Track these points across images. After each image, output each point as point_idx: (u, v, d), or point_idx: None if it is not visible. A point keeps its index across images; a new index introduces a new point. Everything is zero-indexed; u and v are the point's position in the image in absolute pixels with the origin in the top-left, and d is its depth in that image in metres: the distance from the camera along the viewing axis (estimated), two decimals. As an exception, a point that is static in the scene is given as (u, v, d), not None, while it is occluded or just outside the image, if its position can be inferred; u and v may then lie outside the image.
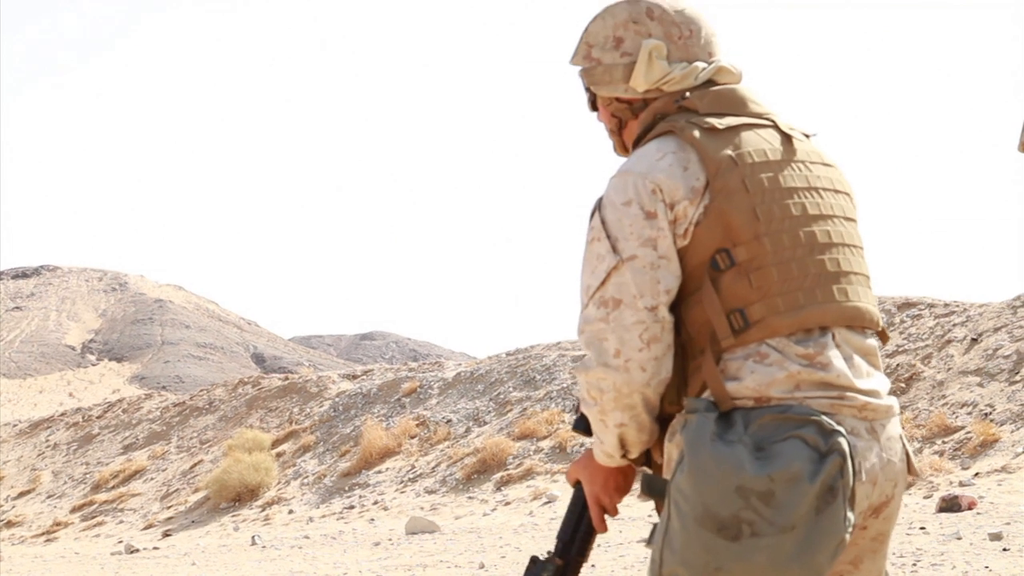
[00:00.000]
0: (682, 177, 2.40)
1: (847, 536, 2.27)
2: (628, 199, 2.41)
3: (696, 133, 2.43)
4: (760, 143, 2.47)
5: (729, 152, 2.42)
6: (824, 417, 2.28)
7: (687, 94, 2.53)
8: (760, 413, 2.30)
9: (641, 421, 2.44)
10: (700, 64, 2.56)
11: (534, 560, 2.62)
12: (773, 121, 2.53)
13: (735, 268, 2.38)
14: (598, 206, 2.47)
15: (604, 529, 2.60)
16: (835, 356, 2.38)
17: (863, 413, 2.38)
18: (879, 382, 2.45)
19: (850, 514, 2.27)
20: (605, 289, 2.40)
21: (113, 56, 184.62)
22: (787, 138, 2.52)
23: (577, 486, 2.65)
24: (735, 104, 2.52)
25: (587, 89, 2.67)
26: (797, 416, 2.28)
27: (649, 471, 2.50)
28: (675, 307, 2.42)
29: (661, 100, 2.55)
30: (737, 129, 2.47)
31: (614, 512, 2.61)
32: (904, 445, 2.47)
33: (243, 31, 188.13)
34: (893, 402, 2.47)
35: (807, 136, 2.58)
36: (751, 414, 2.30)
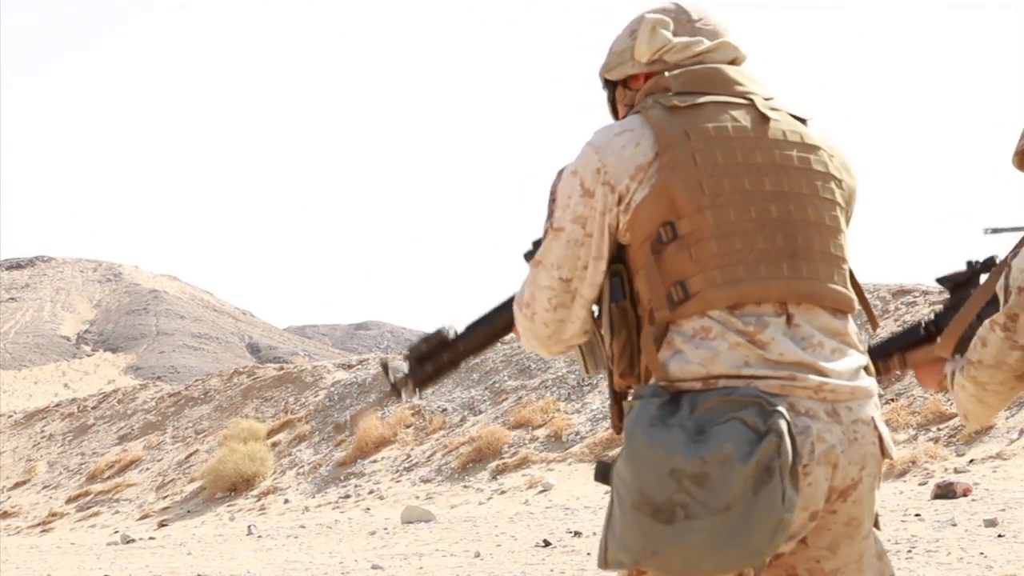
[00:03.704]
0: (631, 154, 2.41)
1: (787, 516, 2.24)
2: (575, 169, 2.47)
3: (657, 111, 2.44)
4: (723, 120, 2.44)
5: (684, 127, 2.41)
6: (766, 397, 2.26)
7: (665, 73, 2.52)
8: (707, 396, 2.29)
9: (543, 353, 2.63)
10: (704, 40, 2.55)
11: (437, 330, 2.89)
12: (751, 100, 2.50)
13: (677, 241, 2.38)
14: (562, 168, 2.52)
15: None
16: (778, 334, 2.35)
17: (820, 394, 2.35)
18: (847, 363, 2.41)
19: (792, 494, 2.24)
20: (539, 247, 2.52)
21: (108, 47, 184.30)
22: (762, 118, 2.48)
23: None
24: (712, 83, 2.50)
25: (605, 86, 2.68)
26: (741, 398, 2.27)
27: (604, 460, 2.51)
28: (631, 282, 2.45)
29: (651, 81, 2.53)
30: (702, 107, 2.45)
31: None
32: (877, 427, 2.43)
33: (239, 24, 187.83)
34: (865, 383, 2.43)
35: (802, 120, 2.53)
36: (699, 397, 2.30)
